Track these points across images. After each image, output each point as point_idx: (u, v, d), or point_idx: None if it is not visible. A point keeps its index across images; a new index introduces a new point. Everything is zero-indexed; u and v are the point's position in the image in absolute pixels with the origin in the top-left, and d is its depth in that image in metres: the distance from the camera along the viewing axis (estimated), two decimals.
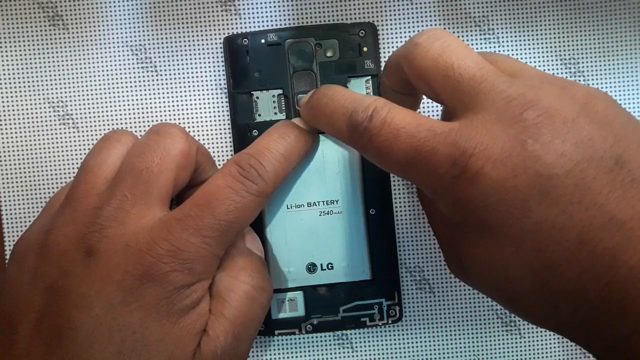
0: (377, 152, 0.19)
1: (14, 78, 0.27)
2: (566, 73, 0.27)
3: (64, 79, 0.27)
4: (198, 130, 0.27)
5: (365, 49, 0.25)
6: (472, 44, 0.27)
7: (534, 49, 0.27)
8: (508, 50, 0.27)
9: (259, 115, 0.25)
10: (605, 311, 0.16)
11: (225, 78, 0.26)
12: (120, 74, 0.27)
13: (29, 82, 0.27)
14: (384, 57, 0.27)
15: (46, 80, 0.27)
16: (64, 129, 0.27)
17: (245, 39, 0.25)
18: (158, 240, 0.19)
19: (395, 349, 0.27)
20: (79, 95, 0.27)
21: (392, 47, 0.27)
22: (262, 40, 0.25)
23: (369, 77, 0.25)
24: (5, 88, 0.27)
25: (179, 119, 0.27)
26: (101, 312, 0.18)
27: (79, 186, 0.20)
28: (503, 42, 0.27)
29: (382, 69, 0.26)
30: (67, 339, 0.18)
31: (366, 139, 0.19)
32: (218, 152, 0.27)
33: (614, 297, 0.16)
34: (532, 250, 0.16)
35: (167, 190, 0.20)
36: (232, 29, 0.27)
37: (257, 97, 0.25)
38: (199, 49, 0.27)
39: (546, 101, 0.17)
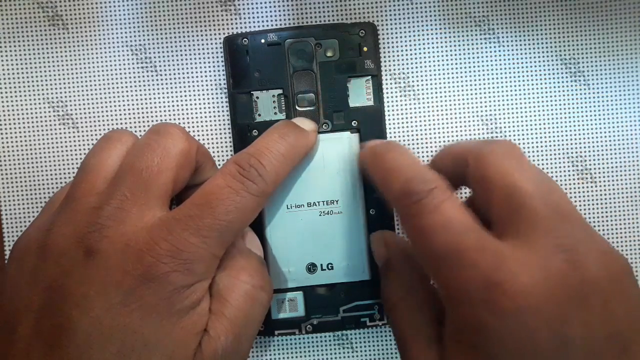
0: (419, 229, 0.19)
1: (13, 78, 0.27)
2: (566, 73, 0.27)
3: (64, 78, 0.27)
4: (198, 130, 0.27)
5: (365, 48, 0.25)
6: (472, 44, 0.27)
7: (534, 49, 0.27)
8: (508, 50, 0.27)
9: (259, 115, 0.25)
10: None
11: (225, 78, 0.26)
12: (120, 74, 0.27)
13: (28, 82, 0.27)
14: (384, 57, 0.27)
15: (46, 80, 0.27)
16: (64, 129, 0.27)
17: (245, 39, 0.25)
18: (158, 240, 0.19)
19: (395, 349, 0.27)
20: (78, 95, 0.27)
21: (392, 47, 0.27)
22: (262, 40, 0.25)
23: (369, 77, 0.25)
24: (5, 88, 0.27)
25: (179, 119, 0.27)
26: (101, 313, 0.18)
27: (79, 186, 0.20)
28: (503, 42, 0.27)
29: (382, 69, 0.26)
30: (66, 339, 0.18)
31: (414, 211, 0.19)
32: (218, 152, 0.27)
33: None
34: None
35: (167, 190, 0.20)
36: (232, 29, 0.27)
37: (257, 97, 0.25)
38: (198, 49, 0.27)
39: (589, 265, 0.17)
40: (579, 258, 0.17)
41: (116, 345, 0.18)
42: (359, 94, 0.25)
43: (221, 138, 0.27)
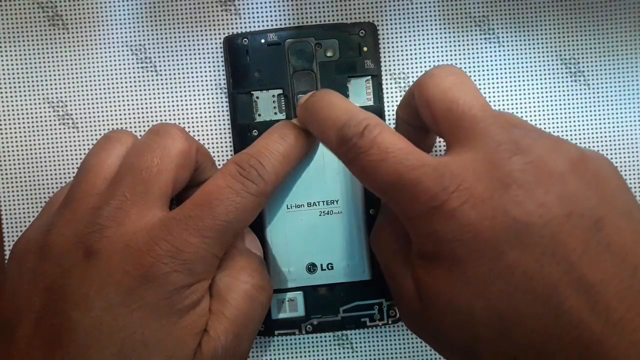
0: (361, 170, 0.19)
1: (13, 78, 0.27)
2: (566, 73, 0.27)
3: (64, 78, 0.27)
4: (198, 130, 0.27)
5: (365, 48, 0.25)
6: (472, 44, 0.27)
7: (534, 49, 0.27)
8: (508, 50, 0.27)
9: (259, 115, 0.25)
10: None
11: (225, 78, 0.26)
12: (120, 74, 0.27)
13: (28, 82, 0.27)
14: (384, 57, 0.27)
15: (46, 80, 0.27)
16: (64, 129, 0.27)
17: (245, 39, 0.25)
18: (158, 240, 0.19)
19: (395, 349, 0.27)
20: (78, 95, 0.27)
21: (392, 47, 0.27)
22: (262, 40, 0.25)
23: (369, 77, 0.25)
24: (5, 88, 0.27)
25: (179, 119, 0.27)
26: (101, 313, 0.18)
27: (78, 186, 0.20)
28: (503, 42, 0.27)
29: (382, 69, 0.26)
30: (67, 340, 0.18)
31: (353, 155, 0.19)
32: (218, 152, 0.27)
33: (573, 358, 0.16)
34: (501, 293, 0.16)
35: (167, 190, 0.20)
36: (232, 29, 0.27)
37: (257, 97, 0.25)
38: (198, 49, 0.27)
39: (537, 152, 0.17)
40: (525, 147, 0.17)
41: (116, 346, 0.18)
42: (359, 94, 0.25)
43: (221, 138, 0.27)
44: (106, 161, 0.21)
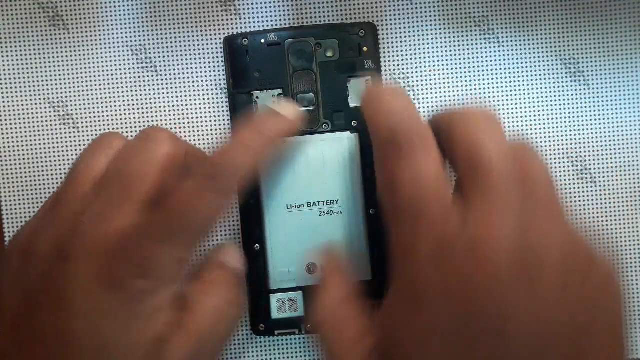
0: (388, 180, 0.19)
1: (14, 78, 0.27)
2: (566, 73, 0.27)
3: (65, 79, 0.27)
4: (198, 131, 0.27)
5: (365, 48, 0.25)
6: (472, 44, 0.27)
7: (534, 49, 0.27)
8: (508, 50, 0.27)
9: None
10: None
11: (225, 78, 0.26)
12: (121, 74, 0.27)
13: (29, 82, 0.27)
14: (384, 57, 0.27)
15: (46, 80, 0.27)
16: (64, 128, 0.27)
17: (245, 39, 0.25)
18: (123, 246, 0.19)
19: None
20: (79, 95, 0.27)
21: (393, 47, 0.27)
22: (262, 40, 0.25)
23: (369, 77, 0.25)
24: (6, 88, 0.27)
25: (179, 119, 0.27)
26: (67, 316, 0.19)
27: (64, 190, 0.21)
28: (503, 42, 0.27)
29: (382, 69, 0.27)
30: (36, 343, 0.18)
31: (391, 161, 0.19)
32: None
33: None
34: None
35: (148, 195, 0.20)
36: (232, 29, 0.27)
37: (257, 97, 0.25)
38: (199, 49, 0.27)
39: (538, 249, 0.17)
40: (533, 239, 0.17)
41: (77, 349, 0.18)
42: (359, 94, 0.25)
43: (221, 138, 0.27)
44: (94, 166, 0.21)
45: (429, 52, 0.27)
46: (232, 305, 0.22)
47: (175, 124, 0.27)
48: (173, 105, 0.27)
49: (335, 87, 0.25)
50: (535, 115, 0.27)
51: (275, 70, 0.25)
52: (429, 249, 0.17)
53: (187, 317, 0.20)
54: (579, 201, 0.27)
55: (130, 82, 0.27)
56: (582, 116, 0.27)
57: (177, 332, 0.20)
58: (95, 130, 0.27)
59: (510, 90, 0.27)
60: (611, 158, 0.27)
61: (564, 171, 0.27)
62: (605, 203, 0.27)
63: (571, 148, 0.27)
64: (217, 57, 0.27)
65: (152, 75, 0.27)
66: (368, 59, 0.25)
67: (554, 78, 0.27)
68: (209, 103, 0.27)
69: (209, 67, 0.27)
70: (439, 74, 0.27)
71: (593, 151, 0.27)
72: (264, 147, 0.21)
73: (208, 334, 0.20)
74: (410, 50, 0.27)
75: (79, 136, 0.27)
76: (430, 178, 0.18)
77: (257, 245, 0.25)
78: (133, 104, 0.27)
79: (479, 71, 0.27)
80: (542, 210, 0.18)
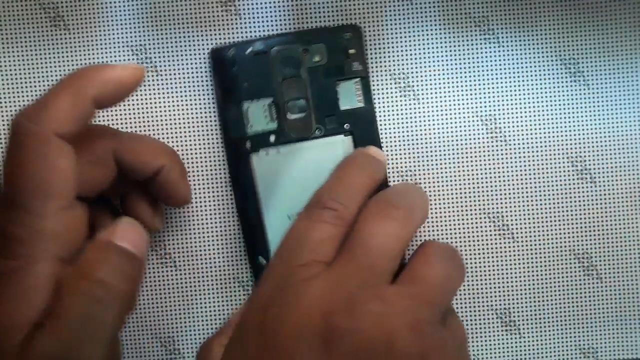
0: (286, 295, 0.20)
1: (15, 78, 0.27)
2: (566, 73, 0.27)
3: None
4: (198, 131, 0.27)
5: (351, 51, 0.25)
6: (472, 44, 0.27)
7: (534, 49, 0.27)
8: (508, 51, 0.27)
9: (251, 126, 0.25)
10: None
11: (214, 91, 0.26)
12: None
13: (30, 82, 0.27)
14: (384, 57, 0.27)
15: (47, 81, 0.27)
16: None
17: (231, 50, 0.25)
18: None
19: None
20: None
21: (393, 47, 0.27)
22: (248, 50, 0.25)
23: (358, 79, 0.25)
24: (8, 88, 0.27)
25: (179, 119, 0.27)
26: None
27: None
28: (503, 42, 0.27)
29: (381, 69, 0.27)
30: None
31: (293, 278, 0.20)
32: (218, 152, 0.27)
33: None
34: None
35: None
36: (232, 29, 0.27)
37: (248, 108, 0.25)
38: (199, 50, 0.27)
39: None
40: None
41: None
42: (350, 96, 0.25)
43: (221, 138, 0.27)
44: None
45: (429, 52, 0.27)
46: (108, 289, 0.19)
47: (175, 124, 0.27)
48: (173, 106, 0.27)
49: (325, 92, 0.25)
50: (535, 115, 0.27)
51: (264, 79, 0.25)
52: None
53: (57, 302, 0.19)
54: (579, 201, 0.27)
55: None
56: (582, 116, 0.27)
57: (50, 317, 0.19)
58: None
59: (510, 90, 0.27)
60: (611, 158, 0.27)
61: (564, 171, 0.27)
62: (605, 203, 0.27)
63: (571, 148, 0.27)
64: None
65: (152, 75, 0.27)
66: (355, 60, 0.25)
67: (553, 78, 0.27)
68: (209, 103, 0.27)
69: (209, 67, 0.27)
70: (439, 74, 0.27)
71: (593, 151, 0.27)
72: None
73: (79, 322, 0.19)
74: (411, 50, 0.27)
75: None
76: (312, 304, 0.19)
77: (261, 257, 0.25)
78: (133, 104, 0.27)
79: (479, 71, 0.27)
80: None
